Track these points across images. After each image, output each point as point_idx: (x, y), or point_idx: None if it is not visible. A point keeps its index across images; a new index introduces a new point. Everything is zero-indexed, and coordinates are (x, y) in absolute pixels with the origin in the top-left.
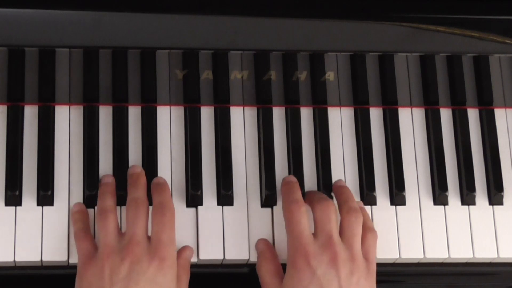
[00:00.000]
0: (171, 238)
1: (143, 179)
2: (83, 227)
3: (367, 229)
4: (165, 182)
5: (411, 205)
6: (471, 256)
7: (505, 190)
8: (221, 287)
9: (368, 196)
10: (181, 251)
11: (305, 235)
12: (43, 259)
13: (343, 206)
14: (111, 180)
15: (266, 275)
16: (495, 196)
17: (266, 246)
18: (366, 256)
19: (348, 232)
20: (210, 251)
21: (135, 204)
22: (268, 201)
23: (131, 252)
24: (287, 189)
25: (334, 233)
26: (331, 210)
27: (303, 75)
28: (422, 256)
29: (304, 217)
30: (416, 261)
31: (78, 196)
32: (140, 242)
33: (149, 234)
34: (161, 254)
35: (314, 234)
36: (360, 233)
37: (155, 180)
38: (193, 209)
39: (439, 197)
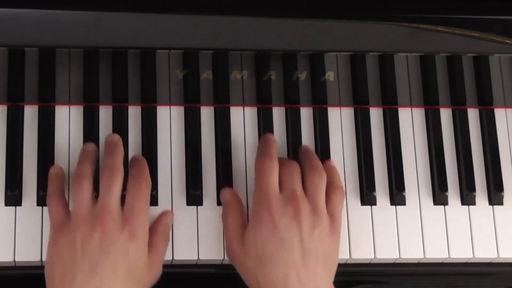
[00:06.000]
0: (145, 208)
1: (120, 148)
2: (57, 191)
3: (334, 187)
4: (143, 159)
5: (411, 205)
6: (471, 256)
7: (505, 190)
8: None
9: (368, 196)
10: (161, 216)
11: (271, 188)
12: (43, 259)
13: (306, 165)
14: (92, 148)
15: (232, 226)
16: (495, 196)
17: (234, 197)
18: (331, 213)
19: (311, 188)
20: (210, 251)
21: (110, 171)
22: None
23: (102, 221)
24: (264, 143)
25: (298, 188)
26: (295, 169)
27: (303, 75)
28: (422, 256)
29: (275, 172)
30: (416, 261)
31: None
32: (112, 211)
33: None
34: (133, 224)
35: (280, 191)
36: (323, 191)
37: (134, 156)
38: (193, 208)
39: (439, 197)
